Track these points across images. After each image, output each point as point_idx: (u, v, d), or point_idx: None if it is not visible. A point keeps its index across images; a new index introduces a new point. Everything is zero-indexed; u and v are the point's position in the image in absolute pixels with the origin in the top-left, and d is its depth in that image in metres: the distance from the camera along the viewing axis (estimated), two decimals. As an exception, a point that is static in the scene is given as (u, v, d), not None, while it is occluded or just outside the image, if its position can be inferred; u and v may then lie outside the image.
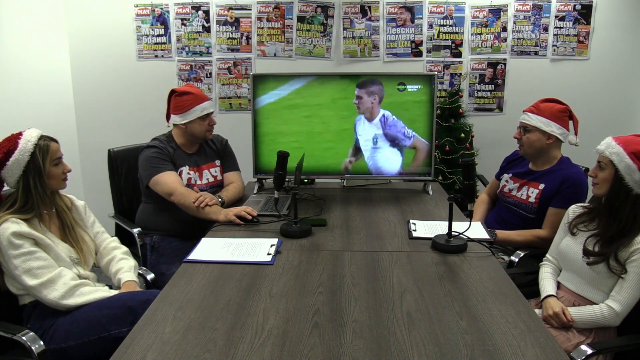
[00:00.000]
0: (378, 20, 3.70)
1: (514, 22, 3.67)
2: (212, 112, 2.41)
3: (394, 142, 2.55)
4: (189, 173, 2.39)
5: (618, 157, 1.63)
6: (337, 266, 1.70)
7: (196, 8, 3.68)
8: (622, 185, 1.63)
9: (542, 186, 2.20)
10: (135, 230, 2.36)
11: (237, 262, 1.73)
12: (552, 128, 2.17)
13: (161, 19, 3.70)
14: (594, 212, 1.75)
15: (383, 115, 2.53)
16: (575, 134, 2.23)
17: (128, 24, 3.69)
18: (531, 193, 2.22)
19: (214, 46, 3.75)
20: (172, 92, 2.40)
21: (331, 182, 2.85)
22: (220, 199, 2.29)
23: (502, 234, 2.18)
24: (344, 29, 3.71)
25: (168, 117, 2.45)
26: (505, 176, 2.41)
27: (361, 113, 2.53)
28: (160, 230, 2.37)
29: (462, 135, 3.48)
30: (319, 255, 1.80)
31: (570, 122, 2.24)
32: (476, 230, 2.01)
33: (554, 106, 2.20)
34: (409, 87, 2.51)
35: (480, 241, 1.90)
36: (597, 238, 1.68)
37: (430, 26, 3.70)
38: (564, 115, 2.20)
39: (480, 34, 3.70)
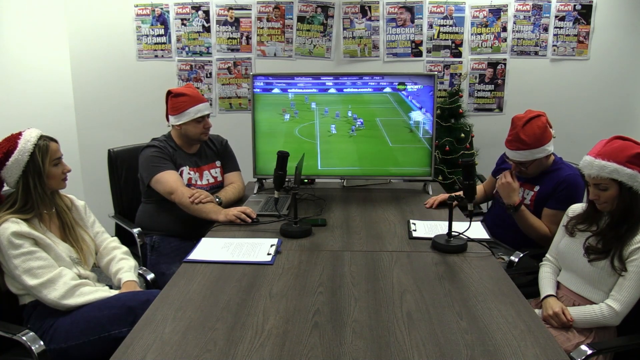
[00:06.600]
0: (378, 20, 3.70)
1: (514, 22, 3.67)
2: (207, 115, 2.39)
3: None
4: (189, 173, 2.39)
5: (618, 174, 1.60)
6: (337, 266, 1.70)
7: (196, 8, 3.68)
8: (632, 193, 1.62)
9: (537, 188, 2.19)
10: (135, 230, 2.36)
11: (237, 262, 1.73)
12: (546, 148, 2.11)
13: (161, 19, 3.69)
14: (594, 214, 1.74)
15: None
16: (550, 127, 2.15)
17: (128, 24, 3.69)
18: (527, 195, 2.22)
19: (214, 46, 3.75)
20: (169, 93, 2.40)
21: (331, 182, 2.85)
22: (217, 199, 2.28)
23: (524, 211, 2.12)
24: (344, 29, 3.71)
25: (168, 118, 2.45)
26: None
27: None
28: (160, 230, 2.37)
29: (462, 135, 3.48)
30: (319, 255, 1.80)
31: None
32: (476, 230, 2.01)
33: (535, 129, 2.08)
34: (408, 86, 2.52)
35: (480, 241, 1.90)
36: (599, 237, 1.68)
37: (430, 26, 3.70)
38: (546, 131, 2.11)
39: (480, 34, 3.70)
